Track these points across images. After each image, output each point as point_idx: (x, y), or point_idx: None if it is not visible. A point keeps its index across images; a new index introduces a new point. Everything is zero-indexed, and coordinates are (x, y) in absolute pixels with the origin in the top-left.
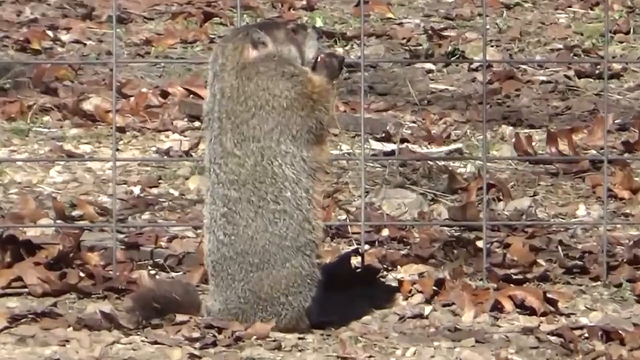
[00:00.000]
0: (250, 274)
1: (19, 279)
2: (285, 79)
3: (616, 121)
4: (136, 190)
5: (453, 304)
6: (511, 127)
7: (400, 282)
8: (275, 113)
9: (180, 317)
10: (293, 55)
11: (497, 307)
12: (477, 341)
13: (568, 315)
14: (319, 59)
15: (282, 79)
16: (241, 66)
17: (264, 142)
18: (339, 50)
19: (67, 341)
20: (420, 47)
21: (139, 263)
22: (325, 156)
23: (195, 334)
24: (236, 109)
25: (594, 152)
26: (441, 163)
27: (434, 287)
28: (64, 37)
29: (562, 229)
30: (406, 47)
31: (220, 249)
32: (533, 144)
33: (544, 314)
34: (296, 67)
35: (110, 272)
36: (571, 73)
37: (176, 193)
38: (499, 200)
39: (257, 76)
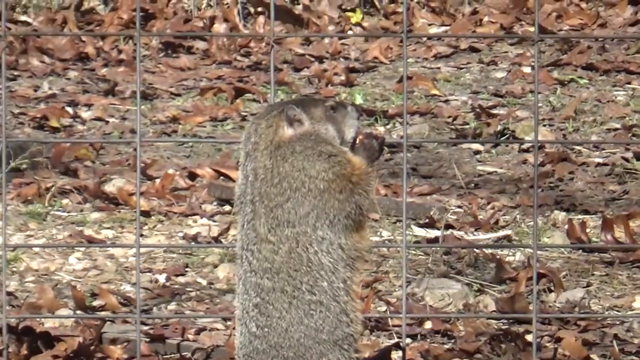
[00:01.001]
0: None
1: None
2: (322, 159)
3: None
4: (161, 278)
5: None
6: (564, 213)
7: None
8: (312, 196)
9: None
10: (331, 134)
11: None
12: None
13: None
14: (357, 140)
15: (319, 159)
16: (275, 145)
17: (299, 228)
18: (380, 129)
19: None
20: (467, 126)
21: (164, 357)
22: (364, 244)
23: None
24: (270, 192)
25: None
26: (488, 251)
27: None
28: (85, 114)
29: (617, 322)
30: (452, 126)
31: (253, 341)
32: (587, 230)
33: None
34: (334, 147)
35: None
36: (629, 155)
37: (204, 282)
38: (550, 291)
39: (292, 156)
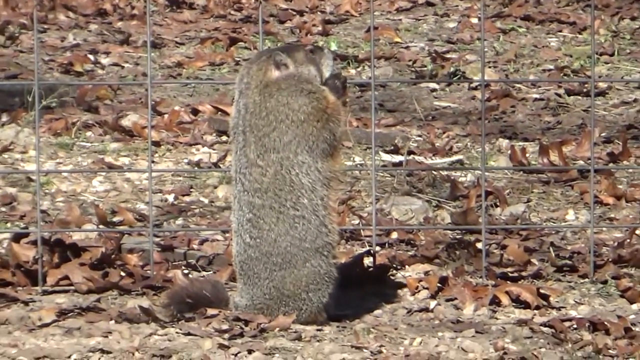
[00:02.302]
0: (274, 273)
1: (66, 278)
2: (303, 95)
3: (602, 134)
4: (170, 198)
5: (455, 299)
6: (507, 140)
7: (408, 279)
8: (294, 126)
9: (210, 312)
10: (312, 74)
11: (495, 302)
12: (477, 332)
13: (559, 309)
14: (326, 81)
15: (300, 95)
16: (264, 84)
17: (282, 153)
18: (352, 72)
19: (110, 333)
20: (425, 68)
21: (173, 263)
22: (338, 167)
23: (224, 326)
24: (258, 123)
25: (581, 162)
26: (444, 173)
27: (439, 284)
28: (104, 60)
29: (553, 232)
30: (412, 69)
31: (247, 250)
32: (527, 155)
33: (537, 308)
34: (313, 85)
35: (147, 271)
36: (561, 91)
37: (206, 200)
38: (497, 206)
39: (277, 93)
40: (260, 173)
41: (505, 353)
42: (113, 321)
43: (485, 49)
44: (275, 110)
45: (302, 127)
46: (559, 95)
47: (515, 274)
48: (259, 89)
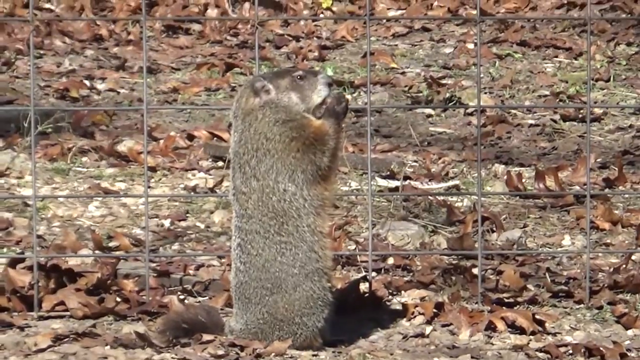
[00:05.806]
0: (265, 298)
1: (62, 303)
2: (278, 125)
3: (597, 160)
4: (166, 223)
5: (451, 324)
6: (503, 166)
7: (404, 305)
8: (269, 155)
9: (206, 337)
10: (293, 101)
11: (491, 327)
12: (472, 357)
13: (554, 334)
14: (326, 105)
15: (275, 125)
16: (246, 112)
17: (263, 181)
18: (348, 97)
19: (105, 358)
20: (421, 94)
21: (169, 289)
22: (329, 194)
23: (220, 352)
24: (240, 151)
25: (577, 187)
26: (440, 198)
27: (434, 310)
28: (100, 86)
29: (549, 257)
30: (408, 94)
31: (238, 275)
32: (523, 180)
33: (532, 333)
34: (290, 114)
35: (143, 297)
36: (557, 117)
37: (202, 226)
38: (493, 231)
39: (255, 122)
40: (245, 199)
41: None
42: (109, 346)
43: (481, 75)
44: (253, 139)
45: (280, 156)
46: (555, 121)
47: (511, 300)
48: (241, 117)
